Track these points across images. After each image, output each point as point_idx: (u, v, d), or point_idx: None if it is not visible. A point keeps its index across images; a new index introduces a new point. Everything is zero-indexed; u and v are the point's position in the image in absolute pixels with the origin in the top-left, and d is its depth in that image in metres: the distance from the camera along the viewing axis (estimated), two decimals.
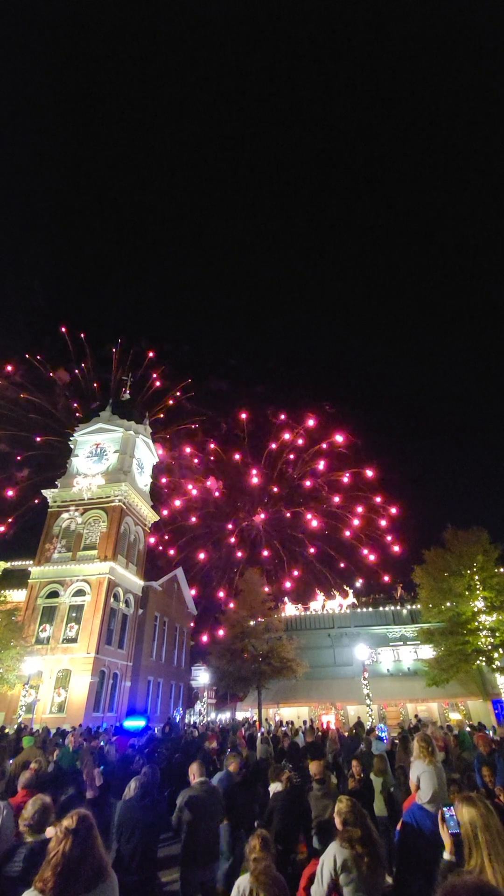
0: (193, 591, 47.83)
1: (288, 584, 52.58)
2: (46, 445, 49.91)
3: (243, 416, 62.43)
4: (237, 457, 62.28)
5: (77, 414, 49.57)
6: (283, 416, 62.22)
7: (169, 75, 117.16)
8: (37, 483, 42.87)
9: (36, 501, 43.92)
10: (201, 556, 57.03)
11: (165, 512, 52.01)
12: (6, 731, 18.92)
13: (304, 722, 25.38)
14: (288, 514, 60.97)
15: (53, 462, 48.02)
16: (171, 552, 53.06)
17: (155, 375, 59.43)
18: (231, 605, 28.16)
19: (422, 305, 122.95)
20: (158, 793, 5.28)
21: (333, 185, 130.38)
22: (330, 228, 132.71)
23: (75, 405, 53.05)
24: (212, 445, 62.98)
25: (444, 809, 2.65)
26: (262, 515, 60.51)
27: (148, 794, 5.12)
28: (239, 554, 59.18)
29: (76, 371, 55.76)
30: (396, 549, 55.08)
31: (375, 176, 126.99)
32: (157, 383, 58.64)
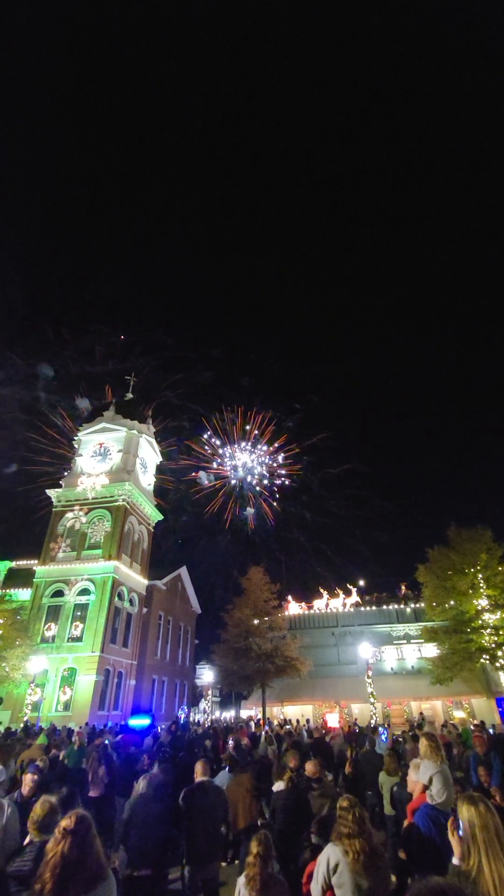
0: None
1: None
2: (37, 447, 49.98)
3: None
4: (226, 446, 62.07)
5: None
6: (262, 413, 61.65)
7: (157, 70, 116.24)
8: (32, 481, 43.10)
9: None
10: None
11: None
12: (11, 729, 19.09)
13: (308, 721, 25.46)
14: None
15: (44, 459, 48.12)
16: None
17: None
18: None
19: (429, 296, 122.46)
20: (171, 790, 5.32)
21: (315, 182, 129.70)
22: (316, 228, 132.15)
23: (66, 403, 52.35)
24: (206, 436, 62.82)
25: (455, 812, 2.68)
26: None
27: (161, 790, 5.15)
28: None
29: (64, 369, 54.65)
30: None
31: (351, 168, 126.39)
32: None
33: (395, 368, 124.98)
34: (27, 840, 3.66)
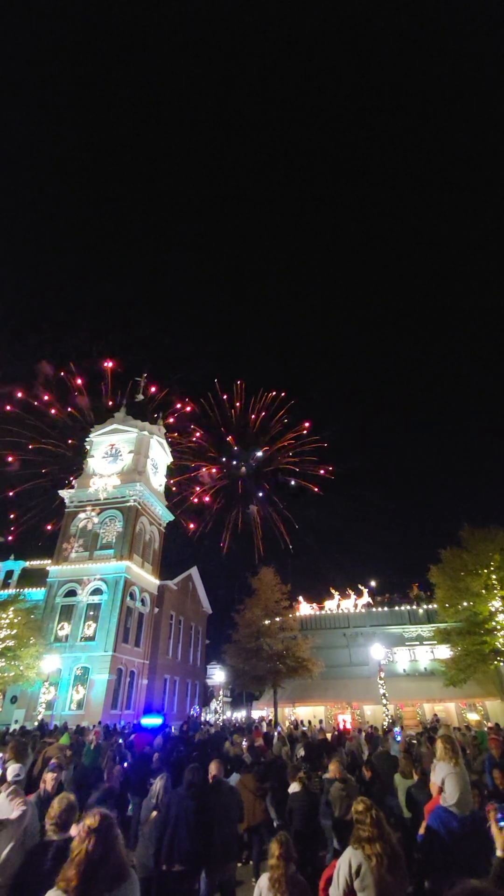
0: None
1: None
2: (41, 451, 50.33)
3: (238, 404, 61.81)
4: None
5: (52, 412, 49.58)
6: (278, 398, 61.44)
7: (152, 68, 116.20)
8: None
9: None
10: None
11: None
12: (26, 727, 19.31)
13: (321, 721, 25.38)
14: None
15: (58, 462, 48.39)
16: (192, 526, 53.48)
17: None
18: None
19: (431, 289, 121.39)
20: (201, 787, 5.35)
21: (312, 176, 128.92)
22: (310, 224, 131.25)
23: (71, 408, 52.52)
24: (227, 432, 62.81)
25: (497, 807, 2.69)
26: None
27: (192, 788, 5.18)
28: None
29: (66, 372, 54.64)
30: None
31: (352, 161, 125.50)
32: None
33: (401, 364, 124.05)
34: (46, 838, 3.71)
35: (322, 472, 59.48)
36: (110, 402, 45.58)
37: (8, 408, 47.63)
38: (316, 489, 59.24)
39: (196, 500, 57.29)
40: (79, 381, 50.56)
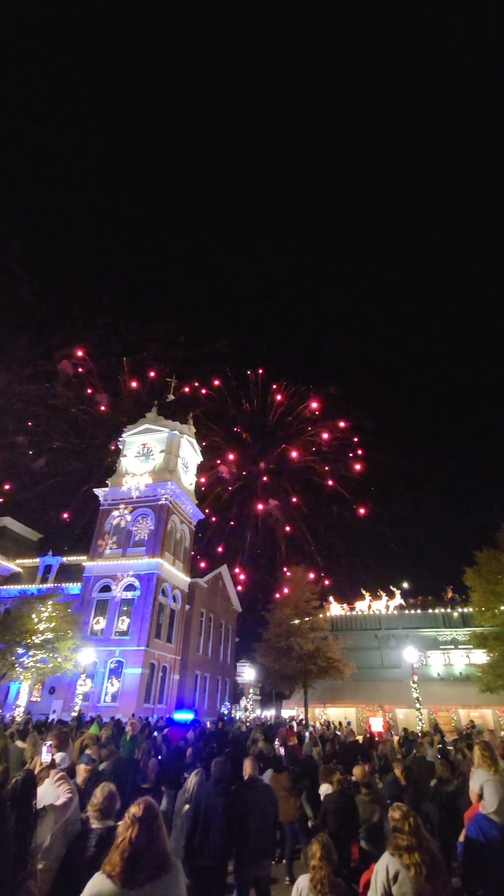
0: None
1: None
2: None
3: (278, 396, 61.30)
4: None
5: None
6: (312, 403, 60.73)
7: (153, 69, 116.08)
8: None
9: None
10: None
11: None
12: (63, 718, 19.99)
13: (349, 723, 25.16)
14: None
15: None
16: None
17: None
18: (281, 592, 28.11)
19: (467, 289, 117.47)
20: (231, 784, 5.42)
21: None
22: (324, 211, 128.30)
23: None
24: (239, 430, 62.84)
25: None
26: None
27: (222, 782, 5.26)
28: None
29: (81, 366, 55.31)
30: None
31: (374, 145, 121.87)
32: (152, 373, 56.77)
33: (435, 361, 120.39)
34: (89, 825, 3.87)
35: (358, 467, 58.11)
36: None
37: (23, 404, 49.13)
38: (362, 511, 57.03)
39: (222, 493, 57.64)
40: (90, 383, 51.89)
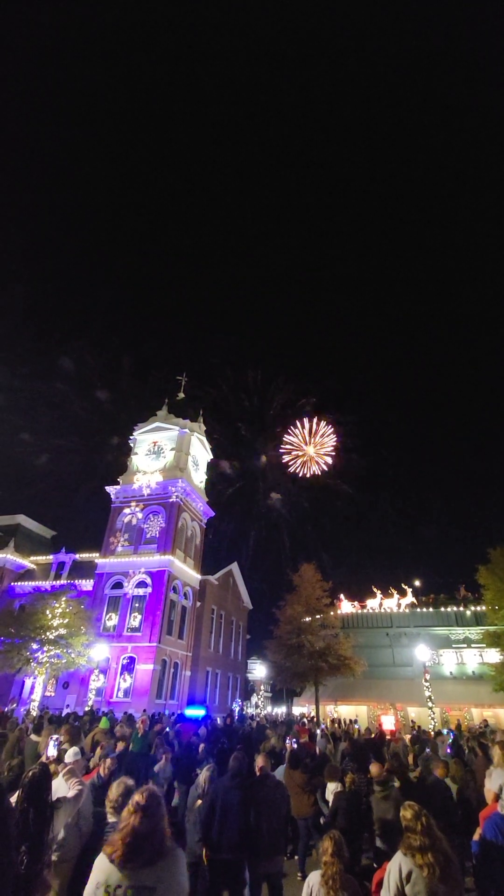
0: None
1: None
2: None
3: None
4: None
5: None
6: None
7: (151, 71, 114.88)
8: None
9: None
10: None
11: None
12: (77, 713, 20.25)
13: (356, 721, 25.11)
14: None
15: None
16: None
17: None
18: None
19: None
20: (247, 779, 5.46)
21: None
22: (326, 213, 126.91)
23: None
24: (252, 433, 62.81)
25: None
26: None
27: (238, 776, 5.29)
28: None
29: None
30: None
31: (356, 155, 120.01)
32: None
33: (448, 359, 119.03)
34: (107, 820, 3.95)
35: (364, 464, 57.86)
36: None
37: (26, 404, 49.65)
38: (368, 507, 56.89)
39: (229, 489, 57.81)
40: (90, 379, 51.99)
